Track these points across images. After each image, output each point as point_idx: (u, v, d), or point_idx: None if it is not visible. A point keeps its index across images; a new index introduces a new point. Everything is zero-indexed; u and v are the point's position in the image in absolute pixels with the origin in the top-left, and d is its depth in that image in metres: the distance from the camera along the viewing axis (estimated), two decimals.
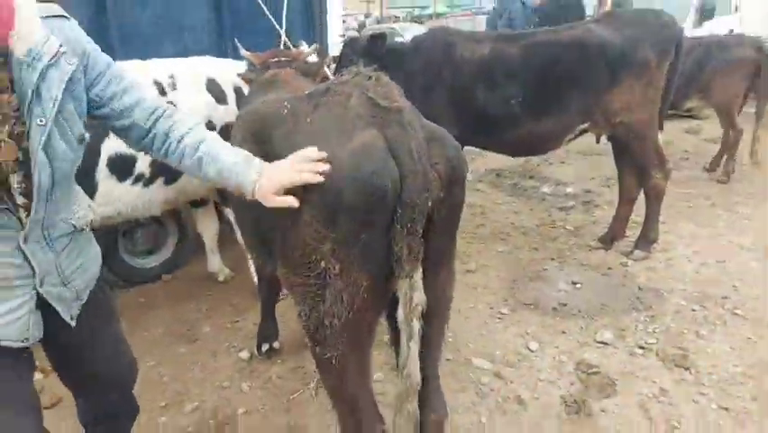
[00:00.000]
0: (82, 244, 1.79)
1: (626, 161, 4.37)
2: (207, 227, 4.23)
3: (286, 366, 3.29)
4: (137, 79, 1.75)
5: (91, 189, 3.26)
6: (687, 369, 3.11)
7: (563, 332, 3.51)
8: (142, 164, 3.45)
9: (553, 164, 7.20)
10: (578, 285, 4.06)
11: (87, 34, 1.63)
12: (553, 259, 4.51)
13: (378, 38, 4.65)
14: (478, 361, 3.26)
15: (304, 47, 4.03)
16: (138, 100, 1.71)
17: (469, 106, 4.39)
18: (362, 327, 1.86)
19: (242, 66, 3.76)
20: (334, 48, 5.90)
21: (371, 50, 4.62)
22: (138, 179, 3.47)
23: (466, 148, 5.31)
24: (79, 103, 1.59)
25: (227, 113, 3.77)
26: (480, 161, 7.30)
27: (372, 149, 1.67)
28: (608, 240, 4.62)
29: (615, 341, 3.38)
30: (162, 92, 3.52)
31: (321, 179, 1.65)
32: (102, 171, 3.32)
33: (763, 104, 6.02)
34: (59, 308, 1.70)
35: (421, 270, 1.72)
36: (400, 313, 1.76)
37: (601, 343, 3.37)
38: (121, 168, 3.38)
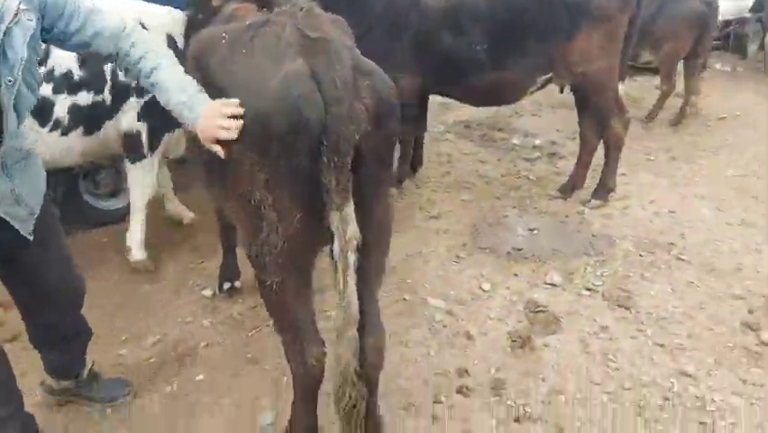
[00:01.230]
0: (30, 163, 1.90)
1: (587, 112, 4.44)
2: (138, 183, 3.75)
3: (246, 304, 3.38)
4: (96, 6, 1.81)
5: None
6: (628, 309, 3.30)
7: (515, 274, 3.66)
8: (60, 110, 3.20)
9: (523, 116, 7.24)
10: (534, 231, 4.20)
11: None
12: (514, 207, 4.63)
13: None
14: (433, 301, 3.40)
15: None
16: (99, 31, 1.82)
17: (433, 53, 4.37)
18: (299, 256, 1.94)
19: (174, 12, 3.56)
20: None
21: None
22: (56, 125, 3.21)
23: (438, 99, 5.39)
24: (38, 50, 1.70)
25: None
26: (451, 114, 7.30)
27: (297, 77, 1.69)
28: (568, 189, 4.75)
29: (563, 283, 3.55)
30: None
31: (232, 135, 1.77)
32: None
33: (704, 58, 6.18)
34: (17, 226, 1.83)
35: (352, 202, 1.78)
36: (335, 246, 1.83)
37: (550, 284, 3.54)
38: (39, 111, 3.11)
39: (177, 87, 1.88)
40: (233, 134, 1.77)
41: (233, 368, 2.92)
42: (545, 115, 7.36)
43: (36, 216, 1.92)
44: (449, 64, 4.37)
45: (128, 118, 3.39)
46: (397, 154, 4.15)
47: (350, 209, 1.78)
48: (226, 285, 3.44)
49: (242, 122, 1.78)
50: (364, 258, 1.95)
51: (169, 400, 2.73)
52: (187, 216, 4.32)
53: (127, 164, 3.55)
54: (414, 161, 5.25)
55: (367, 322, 2.06)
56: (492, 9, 4.16)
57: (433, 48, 4.36)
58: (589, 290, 3.48)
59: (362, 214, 1.86)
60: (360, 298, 1.95)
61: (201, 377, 2.88)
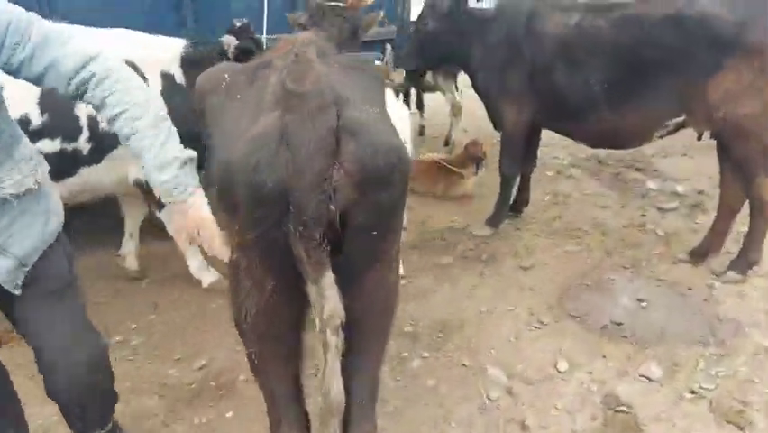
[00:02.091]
0: (25, 203, 1.75)
1: (729, 165, 3.63)
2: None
3: None
4: (65, 39, 1.63)
5: None
6: (741, 429, 2.56)
7: (603, 356, 3.06)
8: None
9: (668, 156, 6.28)
10: (643, 303, 3.51)
11: None
12: (626, 268, 3.95)
13: None
14: (493, 371, 2.97)
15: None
16: (52, 64, 1.60)
17: (547, 87, 3.92)
18: (278, 328, 1.74)
19: (173, 43, 3.46)
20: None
21: (450, 11, 4.28)
22: None
23: None
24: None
25: None
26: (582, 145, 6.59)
27: (261, 137, 1.49)
28: (700, 254, 3.93)
29: (662, 378, 2.88)
30: None
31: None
32: None
33: None
34: None
35: (331, 276, 1.54)
36: (316, 323, 1.61)
37: (645, 377, 2.90)
38: None
39: (155, 164, 1.68)
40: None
41: (264, 407, 2.80)
42: (698, 156, 6.29)
43: (29, 266, 1.72)
44: (561, 99, 3.88)
45: (133, 167, 3.23)
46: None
47: (327, 283, 1.54)
48: None
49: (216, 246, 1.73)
50: (356, 339, 1.70)
51: None
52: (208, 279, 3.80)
53: (157, 212, 3.54)
54: (518, 201, 4.78)
55: (353, 414, 1.79)
56: (614, 38, 3.60)
57: (545, 80, 3.90)
58: (693, 392, 2.78)
59: (351, 289, 1.63)
60: (347, 384, 1.69)
61: (231, 414, 2.81)
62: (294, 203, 1.45)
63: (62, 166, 3.02)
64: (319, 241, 1.48)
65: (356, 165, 1.49)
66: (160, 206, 3.42)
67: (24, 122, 2.87)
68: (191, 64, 3.43)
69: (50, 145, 2.99)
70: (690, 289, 3.66)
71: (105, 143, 3.14)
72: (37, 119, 2.93)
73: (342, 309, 1.59)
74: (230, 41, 3.58)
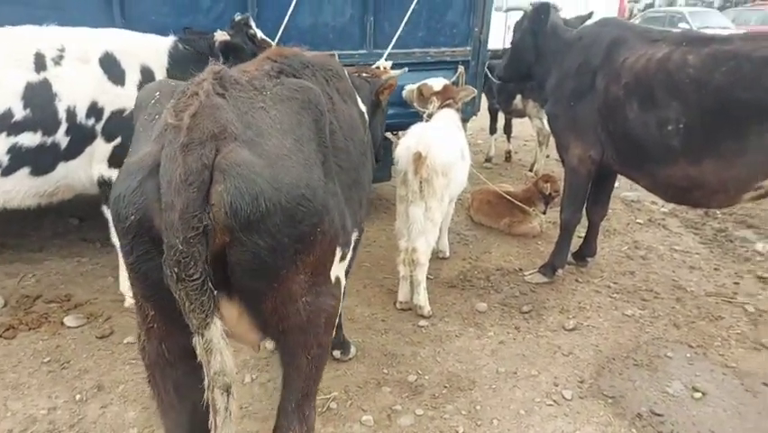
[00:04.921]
0: None
1: None
2: None
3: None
4: None
5: None
6: None
7: None
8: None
9: None
10: (697, 394, 2.92)
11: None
12: (691, 345, 3.33)
13: (539, 11, 3.94)
14: None
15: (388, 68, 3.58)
16: None
17: (617, 126, 3.45)
18: (163, 359, 1.65)
19: (159, 39, 3.36)
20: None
21: (533, 27, 3.95)
22: None
23: None
24: None
25: (121, 97, 3.14)
26: None
27: (132, 170, 1.45)
28: None
29: None
30: (42, 66, 2.99)
31: None
32: None
33: None
34: None
35: (219, 327, 1.45)
36: (205, 379, 1.51)
37: None
38: None
39: None
40: None
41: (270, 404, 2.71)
42: None
43: None
44: (634, 141, 3.41)
45: (98, 164, 3.20)
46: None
47: (214, 334, 1.45)
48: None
49: None
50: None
51: None
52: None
53: (104, 209, 3.37)
54: (582, 250, 4.27)
55: None
56: (704, 77, 3.05)
57: (617, 116, 3.44)
58: None
59: (263, 331, 1.63)
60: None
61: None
62: (165, 240, 1.38)
63: (42, 158, 3.02)
64: (200, 283, 1.39)
65: (225, 207, 1.40)
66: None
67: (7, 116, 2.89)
68: (178, 60, 3.38)
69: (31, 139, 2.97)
70: (765, 384, 2.98)
71: (82, 138, 3.10)
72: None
73: (233, 366, 1.51)
74: (218, 37, 3.47)
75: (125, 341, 3.34)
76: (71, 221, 4.92)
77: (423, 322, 3.53)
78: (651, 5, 29.23)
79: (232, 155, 1.42)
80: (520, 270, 4.26)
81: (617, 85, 3.43)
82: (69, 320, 3.50)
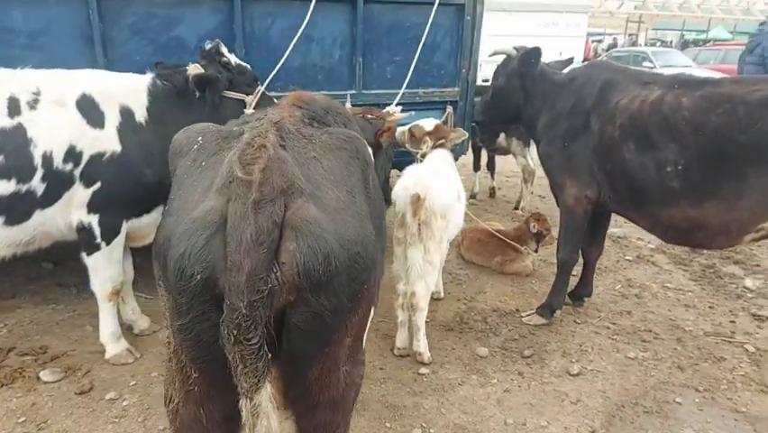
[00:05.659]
0: None
1: None
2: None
3: None
4: None
5: None
6: None
7: None
8: None
9: None
10: None
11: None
12: (698, 390, 3.27)
13: (530, 55, 3.96)
14: None
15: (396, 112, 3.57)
16: None
17: (614, 166, 3.46)
18: (199, 426, 1.57)
19: (141, 80, 3.27)
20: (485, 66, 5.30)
21: (522, 70, 3.97)
22: None
23: None
24: None
25: (101, 140, 3.04)
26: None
27: (198, 225, 1.37)
28: None
29: None
30: (16, 111, 2.86)
31: None
32: None
33: None
34: None
35: (269, 393, 1.38)
36: None
37: None
38: None
39: None
40: None
41: None
42: None
43: None
44: (630, 182, 3.40)
45: (76, 210, 3.07)
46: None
47: (263, 399, 1.37)
48: None
49: None
50: None
51: None
52: (141, 324, 3.81)
53: (84, 256, 3.22)
54: (579, 290, 4.23)
55: None
56: (700, 119, 3.08)
57: (613, 158, 3.45)
58: None
59: (294, 406, 1.55)
60: None
61: None
62: (227, 301, 1.30)
63: (16, 205, 2.87)
64: (258, 347, 1.32)
65: (296, 267, 1.34)
66: (91, 250, 3.20)
67: None
68: (158, 97, 3.28)
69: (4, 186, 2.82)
70: None
71: (59, 183, 2.97)
72: None
73: (279, 431, 1.43)
74: (191, 70, 3.35)
75: (107, 397, 3.13)
76: (45, 265, 4.68)
77: (423, 369, 3.40)
78: (614, 46, 30.50)
79: (301, 212, 1.37)
80: (517, 310, 4.18)
81: (611, 126, 3.44)
82: (45, 375, 3.27)
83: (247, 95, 3.52)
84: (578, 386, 3.29)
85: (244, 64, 3.61)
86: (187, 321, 1.39)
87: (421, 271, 3.35)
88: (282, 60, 3.82)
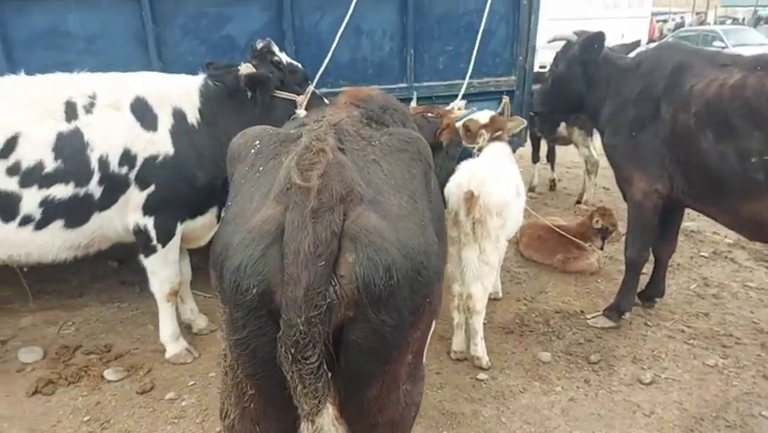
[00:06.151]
0: None
1: None
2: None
3: None
4: None
5: None
6: None
7: None
8: (30, 203, 2.85)
9: None
10: None
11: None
12: None
13: (593, 41, 3.71)
14: None
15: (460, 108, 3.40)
16: None
17: (688, 157, 3.18)
18: None
19: (194, 81, 3.25)
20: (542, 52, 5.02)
21: (584, 56, 3.73)
22: (26, 220, 2.87)
23: None
24: None
25: (154, 142, 3.06)
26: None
27: (255, 236, 1.30)
28: None
29: None
30: (73, 115, 2.91)
31: None
32: None
33: None
34: None
35: (331, 414, 1.31)
36: None
37: None
38: (2, 206, 2.81)
39: None
40: None
41: None
42: None
43: None
44: (707, 174, 3.13)
45: (132, 213, 3.11)
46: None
47: (326, 422, 1.31)
48: None
49: None
50: None
51: None
52: (200, 323, 3.86)
53: (142, 257, 3.28)
54: (650, 289, 3.95)
55: None
56: None
57: (687, 148, 3.17)
58: None
59: (350, 425, 1.42)
60: None
61: None
62: (283, 317, 1.23)
63: (76, 210, 2.95)
64: (316, 366, 1.24)
65: (355, 281, 1.25)
66: (148, 252, 3.26)
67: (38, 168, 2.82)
68: (210, 98, 3.27)
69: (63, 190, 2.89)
70: None
71: (115, 187, 3.02)
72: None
73: None
74: (243, 70, 3.32)
75: (167, 397, 3.18)
76: (110, 264, 4.84)
77: (482, 375, 3.26)
78: (681, 25, 28.78)
79: (361, 220, 1.29)
80: (582, 312, 3.96)
81: (685, 113, 3.16)
82: (109, 373, 3.36)
83: (298, 94, 3.48)
84: (651, 396, 3.05)
85: (295, 63, 3.57)
86: (243, 336, 1.34)
87: (477, 273, 3.20)
88: (330, 55, 3.73)
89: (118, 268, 4.80)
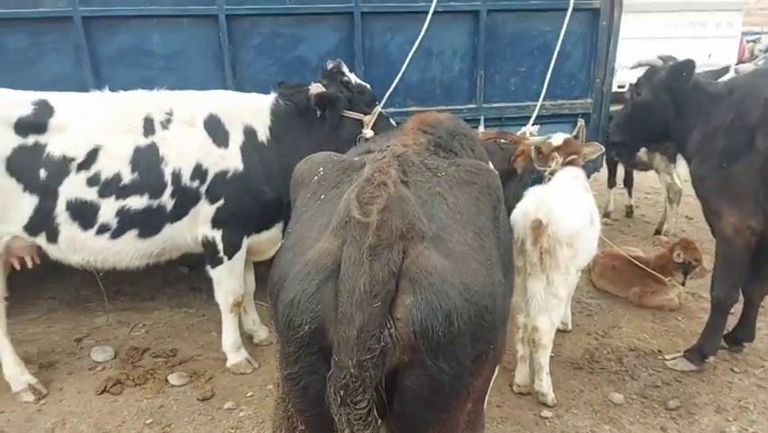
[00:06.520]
0: None
1: None
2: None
3: None
4: None
5: (53, 232, 2.98)
6: None
7: None
8: (107, 213, 2.98)
9: None
10: None
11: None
12: None
13: (681, 69, 3.48)
14: None
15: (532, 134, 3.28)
16: None
17: None
18: None
19: (265, 100, 3.30)
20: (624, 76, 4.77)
21: (672, 84, 3.50)
22: (103, 228, 3.01)
23: None
24: None
25: (225, 158, 3.15)
26: None
27: (310, 270, 1.26)
28: None
29: None
30: (151, 130, 3.05)
31: None
32: (61, 215, 2.95)
33: None
34: None
35: None
36: None
37: None
38: (82, 214, 2.95)
39: None
40: None
41: None
42: None
43: None
44: None
45: (202, 225, 3.21)
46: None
47: None
48: None
49: None
50: None
51: None
52: (261, 334, 3.93)
53: (209, 268, 3.37)
54: (738, 332, 3.61)
55: None
56: None
57: None
58: None
59: None
60: None
61: None
62: (334, 358, 1.20)
63: (149, 221, 3.07)
64: (366, 411, 1.20)
65: (411, 324, 1.19)
66: (215, 264, 3.34)
67: (116, 180, 2.96)
68: (280, 117, 3.33)
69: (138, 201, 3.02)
70: None
71: (187, 200, 3.12)
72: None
73: None
74: (313, 90, 3.35)
75: (225, 406, 3.23)
76: (181, 269, 5.01)
77: (546, 412, 3.07)
78: None
79: (421, 260, 1.23)
80: (659, 352, 3.67)
81: None
82: (174, 378, 3.46)
83: (365, 114, 3.50)
84: None
85: (364, 84, 3.59)
86: (294, 371, 1.31)
87: (544, 305, 3.03)
88: (399, 76, 3.72)
89: (188, 274, 4.97)
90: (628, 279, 4.39)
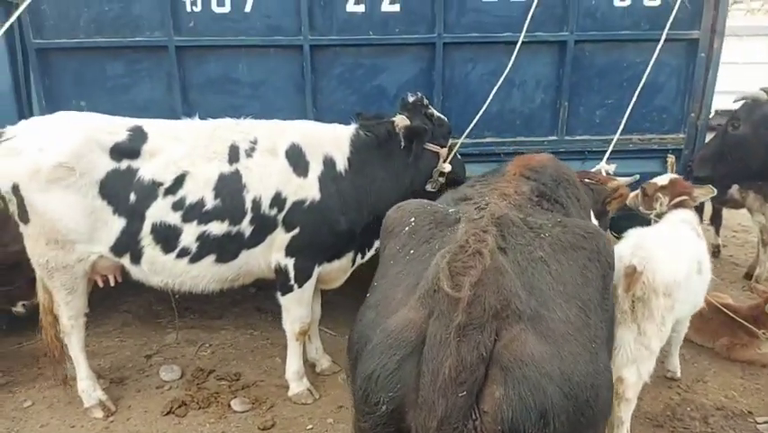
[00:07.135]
0: None
1: None
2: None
3: None
4: None
5: (136, 254, 3.08)
6: None
7: None
8: (188, 237, 3.05)
9: None
10: None
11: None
12: None
13: None
14: None
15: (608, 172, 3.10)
16: None
17: None
18: None
19: (345, 130, 3.31)
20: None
21: None
22: (183, 252, 3.08)
23: None
24: None
25: (304, 187, 3.16)
26: None
27: (391, 343, 1.18)
28: None
29: None
30: (235, 158, 3.11)
31: None
32: (146, 238, 3.04)
33: None
34: None
35: None
36: None
37: None
38: (165, 238, 3.04)
39: None
40: None
41: None
42: None
43: None
44: None
45: (276, 252, 3.22)
46: None
47: None
48: None
49: None
50: None
51: None
52: (323, 364, 3.88)
53: (279, 295, 3.37)
54: None
55: None
56: None
57: None
58: None
59: None
60: None
61: None
62: None
63: (227, 247, 3.12)
64: None
65: (498, 423, 1.08)
66: (285, 291, 3.35)
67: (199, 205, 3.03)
68: (359, 148, 3.33)
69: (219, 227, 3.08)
70: None
71: (264, 227, 3.16)
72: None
73: None
74: (399, 122, 3.33)
75: None
76: (249, 289, 5.06)
77: None
78: None
79: (516, 345, 1.12)
80: (750, 413, 3.35)
81: None
82: (236, 404, 3.47)
83: (441, 147, 3.49)
84: None
85: (442, 117, 3.57)
86: None
87: (632, 356, 2.81)
88: (485, 107, 3.64)
89: (255, 294, 5.02)
90: (716, 328, 4.06)
